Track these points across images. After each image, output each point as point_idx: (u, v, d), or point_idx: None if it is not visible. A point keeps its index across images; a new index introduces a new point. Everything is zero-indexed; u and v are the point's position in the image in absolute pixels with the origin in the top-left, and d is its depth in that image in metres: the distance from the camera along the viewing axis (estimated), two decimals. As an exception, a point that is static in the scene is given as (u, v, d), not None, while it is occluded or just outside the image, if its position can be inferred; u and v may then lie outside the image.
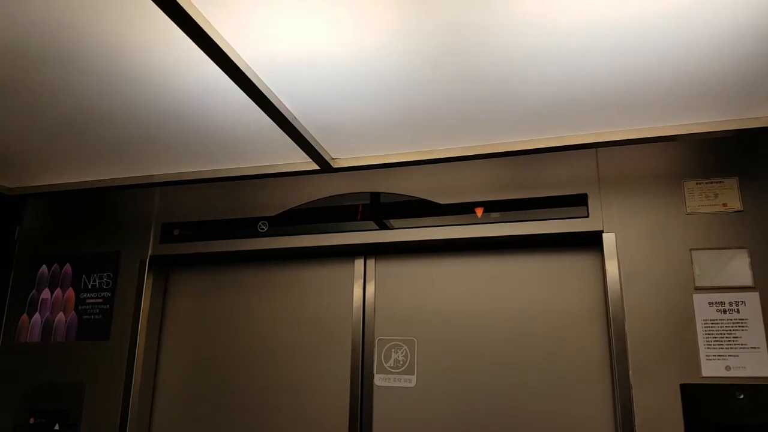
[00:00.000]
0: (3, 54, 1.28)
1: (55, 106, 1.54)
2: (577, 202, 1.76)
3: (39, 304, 2.16)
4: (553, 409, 1.72)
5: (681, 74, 1.37)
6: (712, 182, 1.68)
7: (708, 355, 1.57)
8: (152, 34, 1.21)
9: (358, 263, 1.99)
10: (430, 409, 1.81)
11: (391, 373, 1.87)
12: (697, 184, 1.69)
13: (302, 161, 1.83)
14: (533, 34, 1.21)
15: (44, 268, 2.20)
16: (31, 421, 2.00)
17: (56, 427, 1.97)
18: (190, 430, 2.00)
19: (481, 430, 1.75)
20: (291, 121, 1.54)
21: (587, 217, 1.74)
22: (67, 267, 2.18)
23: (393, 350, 1.89)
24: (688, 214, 1.67)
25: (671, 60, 1.31)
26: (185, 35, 1.16)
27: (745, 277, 1.60)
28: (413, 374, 1.85)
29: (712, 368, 1.56)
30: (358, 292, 1.97)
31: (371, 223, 1.91)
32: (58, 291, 2.16)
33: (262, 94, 1.39)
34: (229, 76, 1.31)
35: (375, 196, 1.94)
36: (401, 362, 1.87)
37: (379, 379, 1.88)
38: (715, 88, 1.43)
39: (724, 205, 1.66)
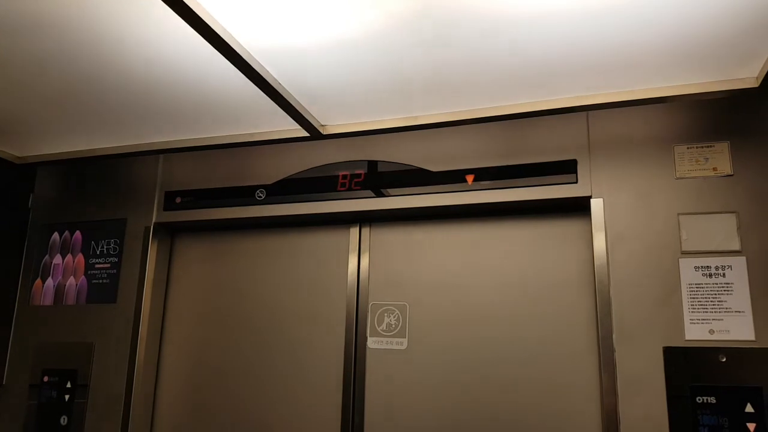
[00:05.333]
0: (3, 21, 1.33)
1: (54, 75, 1.59)
2: (567, 169, 1.76)
3: (51, 269, 2.27)
4: (540, 372, 1.75)
5: (670, 34, 1.34)
6: (702, 146, 1.66)
7: (692, 319, 1.57)
8: (138, 6, 1.25)
9: (353, 231, 2.03)
10: (420, 370, 1.86)
11: (384, 336, 1.92)
12: (687, 148, 1.67)
13: (292, 128, 1.86)
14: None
15: (56, 234, 2.30)
16: (45, 379, 2.12)
17: (68, 385, 2.09)
18: (193, 387, 2.10)
19: (469, 391, 1.80)
20: (276, 89, 1.56)
21: (576, 183, 1.74)
22: (77, 234, 2.27)
23: (386, 314, 1.94)
24: (678, 178, 1.66)
25: (660, 19, 1.28)
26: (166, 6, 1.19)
27: (733, 241, 1.59)
28: (405, 337, 1.90)
29: (696, 332, 1.56)
30: (353, 258, 2.01)
31: (365, 191, 1.95)
32: (69, 257, 2.26)
33: (246, 62, 1.42)
34: (213, 45, 1.34)
35: (369, 164, 1.97)
36: (393, 326, 1.92)
37: (372, 342, 1.93)
38: (704, 48, 1.40)
39: (714, 169, 1.64)
